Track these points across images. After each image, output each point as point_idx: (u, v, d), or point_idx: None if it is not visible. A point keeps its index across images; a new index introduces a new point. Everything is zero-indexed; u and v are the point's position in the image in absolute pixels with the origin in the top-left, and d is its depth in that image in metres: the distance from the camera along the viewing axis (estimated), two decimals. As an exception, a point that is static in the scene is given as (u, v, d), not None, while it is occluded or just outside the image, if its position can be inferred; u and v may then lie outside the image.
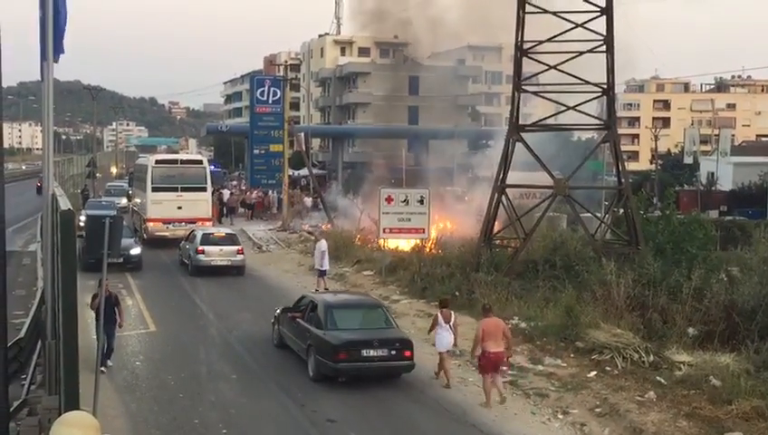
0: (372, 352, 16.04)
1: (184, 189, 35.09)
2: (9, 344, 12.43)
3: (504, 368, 15.88)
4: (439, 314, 16.62)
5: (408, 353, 16.30)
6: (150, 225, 34.98)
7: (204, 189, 35.72)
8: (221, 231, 31.77)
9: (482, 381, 15.25)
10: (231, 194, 49.34)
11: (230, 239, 29.91)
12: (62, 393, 9.84)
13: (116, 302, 17.19)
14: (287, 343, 18.41)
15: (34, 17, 13.92)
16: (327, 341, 16.18)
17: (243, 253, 29.66)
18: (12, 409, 12.43)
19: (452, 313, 16.75)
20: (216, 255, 28.78)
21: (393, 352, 16.17)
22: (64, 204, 10.63)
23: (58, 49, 13.55)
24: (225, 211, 46.08)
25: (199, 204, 35.12)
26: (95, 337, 14.31)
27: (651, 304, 19.16)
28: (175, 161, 39.27)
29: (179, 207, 34.60)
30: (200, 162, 38.92)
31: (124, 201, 46.19)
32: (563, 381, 15.87)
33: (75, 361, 9.08)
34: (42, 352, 15.57)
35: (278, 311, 19.16)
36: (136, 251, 29.04)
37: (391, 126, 58.97)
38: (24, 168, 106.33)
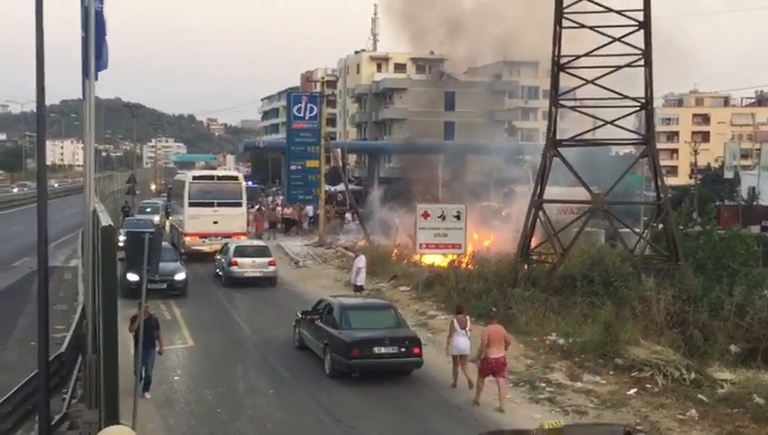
0: (383, 350, 17.24)
1: (220, 205, 35.58)
2: (51, 359, 12.59)
3: (505, 372, 16.27)
4: (455, 320, 17.14)
5: (416, 350, 17.49)
6: (188, 239, 35.50)
7: (239, 205, 36.22)
8: (253, 244, 32.44)
9: (477, 380, 16.03)
10: (266, 210, 49.68)
11: (262, 252, 30.65)
12: (103, 407, 9.94)
13: (155, 325, 16.18)
14: (307, 345, 19.50)
15: (76, 36, 14.20)
16: (341, 339, 17.39)
17: (274, 264, 30.36)
18: (53, 422, 12.59)
19: (467, 318, 17.38)
20: (248, 266, 29.65)
21: (403, 350, 17.34)
22: (105, 220, 10.78)
23: (100, 63, 13.78)
24: (268, 225, 46.91)
25: (235, 219, 35.60)
26: (133, 354, 14.35)
27: (692, 321, 18.92)
28: (211, 177, 39.78)
29: (215, 222, 35.10)
30: (236, 178, 39.51)
31: (156, 218, 44.60)
32: (602, 399, 15.69)
33: (115, 375, 9.18)
34: (82, 366, 15.74)
35: (299, 314, 20.24)
36: (181, 276, 26.96)
37: (427, 141, 58.98)
38: (56, 185, 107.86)
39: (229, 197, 35.92)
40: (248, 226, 44.01)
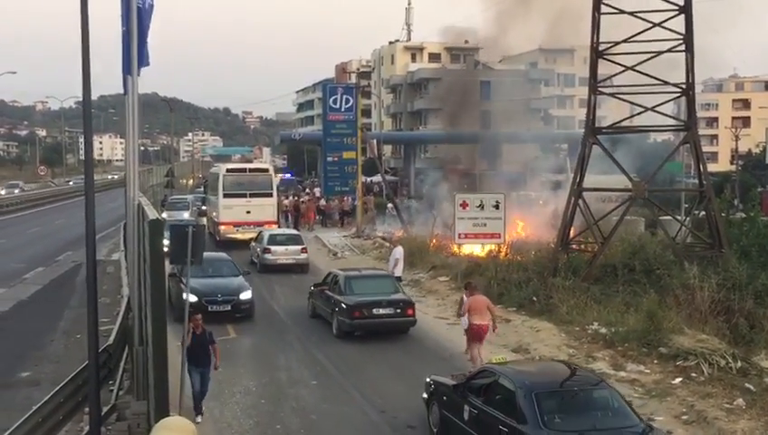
0: (381, 311, 20.22)
1: (252, 195, 37.65)
2: (99, 351, 12.78)
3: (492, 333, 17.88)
4: (465, 296, 18.47)
5: (410, 311, 20.47)
6: (222, 228, 37.49)
7: (270, 195, 38.37)
8: (286, 232, 34.38)
9: (469, 349, 17.62)
10: (303, 201, 49.88)
11: (294, 239, 32.17)
12: (152, 399, 10.08)
13: (210, 340, 14.58)
14: (318, 312, 22.40)
15: (115, 31, 14.35)
16: (345, 303, 20.35)
17: (306, 252, 31.64)
18: (102, 414, 12.79)
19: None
20: (281, 254, 31.06)
21: (398, 311, 20.35)
22: (152, 213, 10.91)
23: (142, 61, 13.92)
24: (317, 216, 48.03)
25: (266, 208, 37.74)
26: (179, 344, 14.20)
27: (737, 309, 18.68)
28: (244, 170, 41.79)
29: (248, 212, 37.21)
30: (266, 170, 41.39)
31: (186, 215, 43.50)
32: (647, 388, 15.55)
33: (165, 367, 9.31)
34: (129, 358, 15.97)
35: (312, 287, 23.35)
36: (247, 295, 22.39)
37: (463, 131, 58.80)
38: (110, 177, 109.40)
39: (260, 187, 38.06)
40: (292, 216, 44.84)
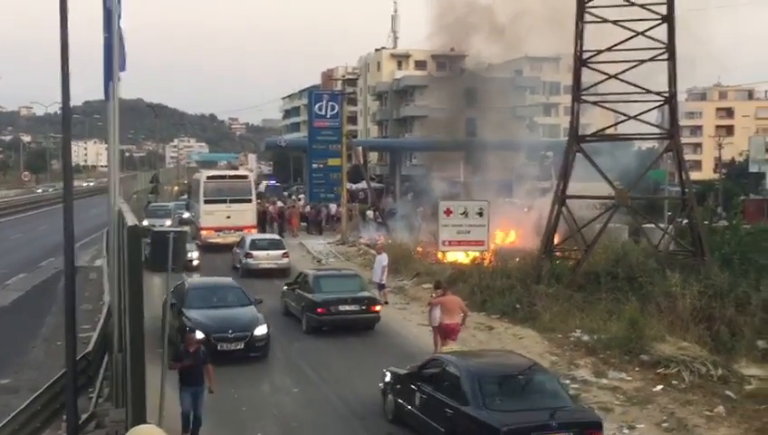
0: (347, 307, 21.33)
1: (232, 201, 38.76)
2: (78, 358, 12.69)
3: (457, 336, 18.36)
4: (434, 295, 19.17)
5: (374, 308, 21.70)
6: (204, 233, 38.45)
7: (249, 201, 39.54)
8: (267, 237, 35.08)
9: (437, 341, 18.30)
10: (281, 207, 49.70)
11: (276, 244, 32.71)
12: (130, 406, 10.01)
13: (204, 359, 13.72)
14: (290, 311, 23.14)
15: (98, 36, 14.27)
16: (313, 300, 21.46)
17: (288, 256, 31.95)
18: (80, 422, 12.69)
19: (441, 297, 18.79)
20: (263, 258, 31.37)
21: (363, 307, 21.53)
22: (131, 220, 10.84)
23: (120, 66, 13.84)
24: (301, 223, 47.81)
25: (246, 213, 38.87)
26: (160, 350, 14.16)
27: (718, 317, 18.78)
28: (224, 176, 43.23)
29: (228, 217, 38.36)
30: (246, 177, 43.24)
31: (168, 223, 42.64)
32: (628, 395, 15.59)
33: (142, 374, 9.24)
34: (109, 365, 15.86)
35: (284, 287, 24.18)
36: (262, 330, 18.83)
37: (449, 138, 58.83)
38: (85, 184, 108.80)
39: (240, 193, 39.22)
40: (275, 222, 45.05)
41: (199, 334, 16.76)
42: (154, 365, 13.14)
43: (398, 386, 14.31)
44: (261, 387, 16.79)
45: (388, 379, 14.88)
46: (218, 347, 17.81)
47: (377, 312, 21.83)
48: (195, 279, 21.48)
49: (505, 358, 14.53)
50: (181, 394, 13.28)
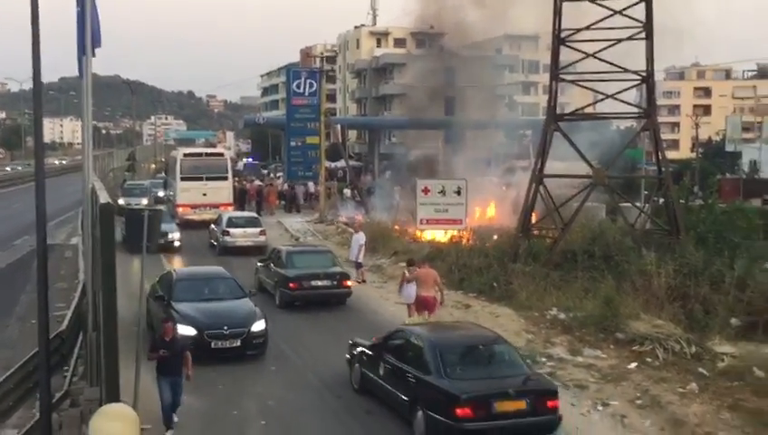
0: (319, 283, 21.82)
1: (208, 178, 39.24)
2: (51, 337, 12.59)
3: (435, 309, 18.60)
4: (406, 271, 19.39)
5: (345, 283, 22.21)
6: (180, 209, 39.06)
7: (225, 178, 39.96)
8: (245, 215, 35.14)
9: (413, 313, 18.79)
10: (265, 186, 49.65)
11: (253, 222, 32.73)
12: (103, 385, 9.95)
13: (183, 347, 13.31)
14: (264, 287, 23.38)
15: (74, 12, 14.05)
16: (286, 275, 21.89)
17: (265, 234, 31.99)
18: (54, 400, 12.61)
19: (417, 270, 19.22)
20: (240, 236, 31.49)
21: (335, 283, 22.05)
22: (104, 197, 10.73)
23: (95, 42, 13.66)
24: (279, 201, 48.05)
25: (221, 191, 39.42)
26: (135, 329, 13.84)
27: (693, 295, 18.92)
28: (200, 154, 44.00)
29: (204, 194, 38.93)
30: (222, 154, 43.95)
31: (144, 201, 42.90)
32: (603, 373, 15.70)
33: (115, 353, 9.17)
34: (83, 344, 15.76)
35: (258, 264, 24.61)
36: (260, 325, 17.07)
37: (428, 117, 58.77)
38: (56, 162, 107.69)
39: (216, 171, 39.69)
40: (253, 200, 45.12)
41: (190, 331, 15.89)
42: (131, 344, 13.13)
43: (364, 357, 14.79)
44: (236, 363, 16.64)
45: (353, 350, 15.40)
46: (212, 345, 16.24)
47: (348, 287, 22.35)
48: (183, 269, 20.04)
49: (467, 330, 15.06)
50: (159, 384, 12.82)
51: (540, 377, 13.33)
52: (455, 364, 12.63)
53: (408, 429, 12.75)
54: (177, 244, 31.26)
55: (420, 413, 12.35)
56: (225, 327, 16.47)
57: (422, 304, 18.54)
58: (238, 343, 16.50)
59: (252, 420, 13.63)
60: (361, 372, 14.73)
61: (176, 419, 13.00)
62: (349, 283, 22.46)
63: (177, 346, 12.91)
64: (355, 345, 15.47)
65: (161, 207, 40.56)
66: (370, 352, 14.63)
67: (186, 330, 15.75)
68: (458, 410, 11.72)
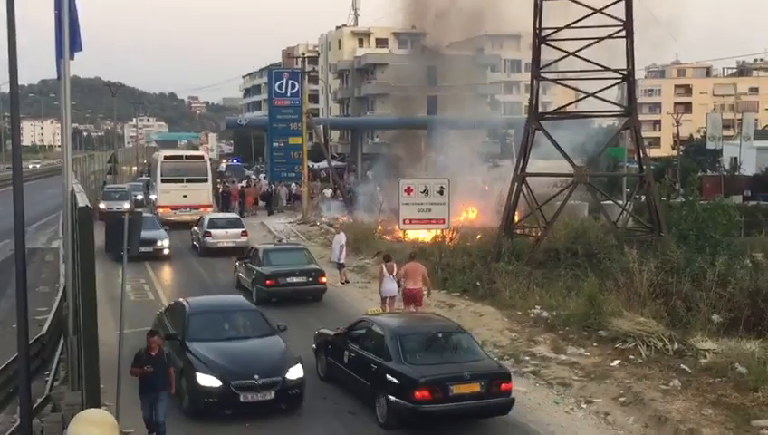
0: (295, 279, 22.47)
1: (188, 181, 39.69)
2: (31, 341, 12.48)
3: (423, 302, 19.52)
4: (384, 267, 20.17)
5: (321, 279, 22.80)
6: (161, 211, 39.20)
7: (205, 180, 40.30)
8: (226, 216, 35.30)
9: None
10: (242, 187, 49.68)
11: (234, 223, 32.92)
12: (84, 389, 9.88)
13: (167, 363, 12.62)
14: (242, 284, 24.07)
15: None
16: (262, 272, 22.45)
17: (246, 235, 31.98)
18: (35, 405, 12.51)
19: (394, 265, 20.18)
20: (221, 237, 31.59)
21: (310, 279, 22.70)
22: (83, 200, 10.66)
23: (75, 46, 13.59)
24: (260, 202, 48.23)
25: (201, 192, 39.87)
26: (117, 332, 13.80)
27: (675, 292, 18.96)
28: (180, 157, 44.76)
29: (185, 196, 39.36)
30: (202, 157, 44.54)
31: (126, 205, 41.55)
32: (587, 371, 15.73)
33: (95, 357, 9.13)
34: (64, 348, 15.64)
35: (237, 262, 25.18)
36: (297, 373, 13.91)
37: (410, 116, 58.83)
38: (37, 166, 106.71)
39: (196, 173, 40.13)
40: (235, 201, 45.22)
41: (214, 381, 13.19)
42: (113, 348, 13.03)
43: (329, 346, 15.43)
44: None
45: (319, 340, 16.05)
46: (240, 398, 13.25)
47: (324, 283, 22.94)
48: (197, 301, 16.29)
49: (427, 320, 15.77)
50: (142, 400, 12.25)
51: (494, 362, 14.07)
52: (414, 351, 13.33)
53: (371, 413, 13.36)
54: (166, 251, 30.40)
55: (382, 398, 13.04)
56: (256, 375, 13.41)
57: (410, 297, 19.15)
58: (272, 395, 13.44)
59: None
60: (327, 360, 15.31)
61: None
62: (324, 279, 22.94)
63: (161, 362, 12.26)
64: (321, 335, 16.08)
65: (141, 210, 40.43)
66: (335, 342, 15.24)
67: (207, 380, 13.21)
68: (417, 393, 12.43)
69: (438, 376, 12.68)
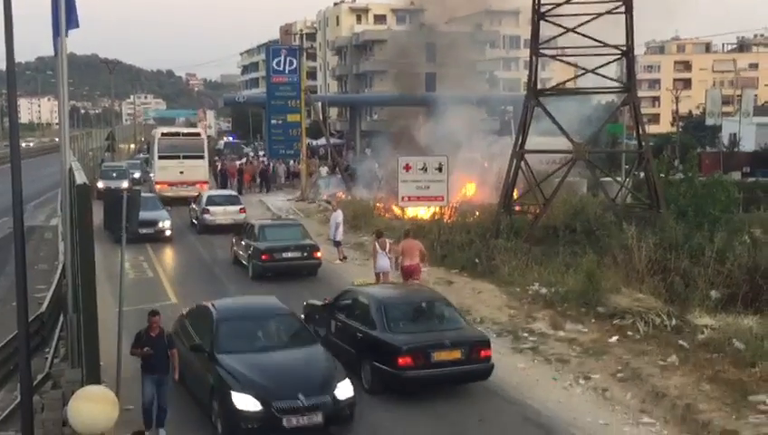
0: (290, 254, 22.83)
1: (185, 157, 40.31)
2: (31, 319, 12.50)
3: (420, 276, 20.17)
4: (376, 243, 20.73)
5: (315, 254, 23.21)
6: (158, 187, 39.90)
7: (202, 157, 40.96)
8: (224, 193, 35.87)
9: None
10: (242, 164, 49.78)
11: (232, 200, 33.07)
12: (84, 366, 9.91)
13: (170, 343, 12.00)
14: (239, 259, 24.55)
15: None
16: (258, 247, 22.83)
17: (244, 211, 31.99)
18: (36, 382, 12.56)
19: (387, 241, 20.87)
20: (220, 214, 31.68)
21: (305, 254, 23.07)
22: (81, 178, 10.63)
23: (71, 23, 13.49)
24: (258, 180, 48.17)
25: (198, 169, 40.48)
26: (116, 310, 13.61)
27: (673, 268, 19.01)
28: (177, 134, 45.04)
29: (181, 172, 40.05)
30: (198, 134, 44.59)
31: (125, 184, 40.71)
32: (585, 347, 15.79)
33: (95, 334, 9.15)
34: (64, 325, 15.68)
35: (234, 238, 25.49)
36: (347, 391, 11.89)
37: (408, 93, 58.65)
38: (24, 145, 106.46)
39: (193, 150, 40.74)
40: (236, 179, 45.42)
41: (253, 403, 11.26)
42: (111, 324, 13.06)
43: (317, 316, 15.98)
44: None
45: (307, 310, 16.66)
46: (284, 422, 11.27)
47: (318, 258, 23.35)
48: (224, 303, 14.44)
49: (412, 290, 16.52)
50: (143, 381, 11.75)
51: (475, 331, 14.86)
52: (398, 320, 13.94)
53: (357, 380, 13.29)
54: (168, 233, 29.63)
55: (367, 365, 13.63)
56: (301, 395, 11.45)
57: (408, 273, 19.64)
58: (320, 419, 11.45)
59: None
60: (313, 330, 14.61)
61: (163, 432, 11.75)
62: (318, 254, 23.41)
63: (162, 343, 11.76)
64: (309, 306, 16.74)
65: (138, 187, 40.42)
66: (322, 312, 15.82)
67: (245, 401, 11.26)
68: (400, 360, 13.04)
69: (420, 343, 13.31)
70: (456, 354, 13.42)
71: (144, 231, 26.41)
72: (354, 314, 14.73)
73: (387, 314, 13.91)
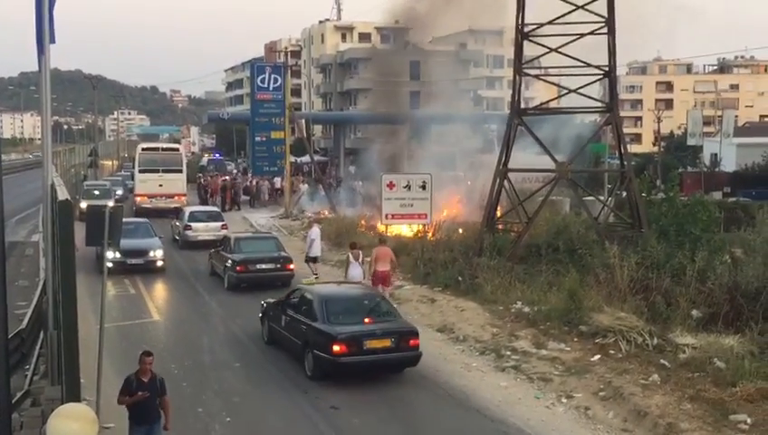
0: (264, 266, 23.94)
1: (164, 171, 42.72)
2: (11, 335, 12.38)
3: (392, 284, 21.49)
4: (350, 254, 21.94)
5: (288, 266, 24.26)
6: (138, 199, 42.55)
7: (180, 171, 43.46)
8: (206, 209, 36.67)
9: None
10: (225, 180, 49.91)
11: (214, 217, 33.59)
12: (64, 384, 9.82)
13: (162, 390, 10.94)
14: (215, 271, 25.69)
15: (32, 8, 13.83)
16: (234, 259, 23.93)
17: (226, 228, 32.05)
18: (15, 400, 12.39)
19: (360, 252, 22.03)
20: (201, 230, 32.14)
21: (278, 265, 24.23)
22: (63, 194, 10.57)
23: (49, 38, 13.47)
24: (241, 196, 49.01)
25: (176, 182, 42.87)
26: (98, 328, 13.65)
27: (655, 287, 19.05)
28: (157, 149, 47.42)
29: (160, 185, 42.37)
30: (177, 150, 47.97)
31: (110, 204, 41.00)
32: (567, 366, 15.82)
33: (75, 351, 9.07)
34: (44, 342, 15.53)
35: (211, 250, 26.54)
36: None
37: (393, 112, 58.82)
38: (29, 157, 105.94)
39: (171, 164, 43.21)
40: (215, 196, 45.80)
41: None
42: (91, 341, 12.96)
43: (271, 313, 17.66)
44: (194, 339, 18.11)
45: (263, 308, 18.28)
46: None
47: (291, 270, 24.34)
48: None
49: (353, 288, 18.48)
50: (131, 433, 10.85)
51: (406, 322, 16.30)
52: (337, 313, 15.57)
53: (301, 368, 15.52)
54: (159, 263, 26.77)
55: (309, 353, 15.28)
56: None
57: (379, 278, 20.79)
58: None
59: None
60: (269, 326, 17.60)
61: None
62: (291, 266, 24.39)
63: (154, 389, 10.78)
64: (265, 305, 18.32)
65: (121, 205, 40.11)
66: (275, 309, 17.44)
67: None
68: (335, 347, 14.61)
69: (354, 332, 14.89)
70: (387, 343, 14.99)
71: (133, 262, 25.49)
72: (301, 309, 16.30)
73: (327, 307, 15.56)
